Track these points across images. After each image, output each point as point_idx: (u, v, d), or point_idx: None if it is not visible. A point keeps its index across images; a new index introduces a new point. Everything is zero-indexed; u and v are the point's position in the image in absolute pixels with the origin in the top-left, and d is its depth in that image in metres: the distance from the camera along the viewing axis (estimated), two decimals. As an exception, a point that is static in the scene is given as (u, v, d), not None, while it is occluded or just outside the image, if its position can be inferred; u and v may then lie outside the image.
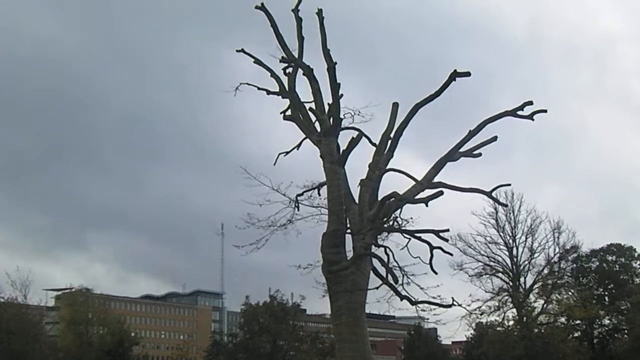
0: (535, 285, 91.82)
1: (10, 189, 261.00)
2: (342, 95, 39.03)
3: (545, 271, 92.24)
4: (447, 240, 37.23)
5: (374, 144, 39.65)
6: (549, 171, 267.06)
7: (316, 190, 40.39)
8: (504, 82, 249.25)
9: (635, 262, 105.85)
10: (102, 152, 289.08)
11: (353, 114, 39.28)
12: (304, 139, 40.55)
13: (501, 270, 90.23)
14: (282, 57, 40.94)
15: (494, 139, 38.38)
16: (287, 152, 41.65)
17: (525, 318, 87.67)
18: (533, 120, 38.56)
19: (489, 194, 39.57)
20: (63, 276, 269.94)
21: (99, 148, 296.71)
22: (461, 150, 38.37)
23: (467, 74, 37.02)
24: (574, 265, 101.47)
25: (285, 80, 41.79)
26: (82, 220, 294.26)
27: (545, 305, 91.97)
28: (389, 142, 39.16)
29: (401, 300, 34.62)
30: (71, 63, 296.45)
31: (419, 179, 37.13)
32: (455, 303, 34.91)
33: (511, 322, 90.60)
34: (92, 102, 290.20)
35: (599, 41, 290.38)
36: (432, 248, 35.83)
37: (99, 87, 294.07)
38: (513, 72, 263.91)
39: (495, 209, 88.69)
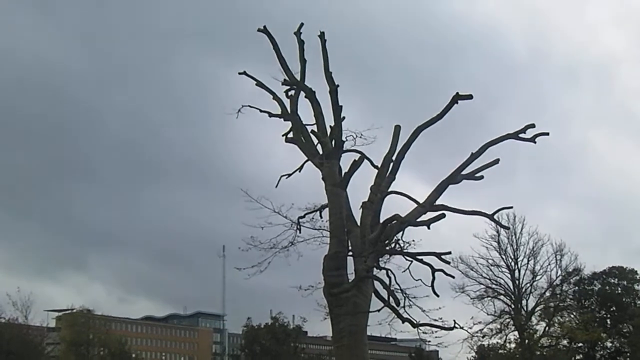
0: (537, 308, 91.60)
1: (10, 207, 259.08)
2: (344, 117, 39.10)
3: (547, 294, 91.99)
4: (449, 263, 37.30)
5: (375, 167, 39.67)
6: (551, 192, 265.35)
7: (318, 212, 40.33)
8: (506, 102, 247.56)
9: (637, 285, 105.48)
10: (101, 173, 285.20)
11: (355, 136, 39.28)
12: (306, 161, 40.55)
13: (503, 292, 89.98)
14: (285, 79, 41.06)
15: (496, 161, 38.41)
16: (289, 175, 41.63)
17: (527, 341, 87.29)
18: (535, 142, 38.61)
19: (491, 217, 39.52)
20: (63, 297, 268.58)
21: (97, 169, 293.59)
22: (463, 172, 38.43)
23: (469, 97, 37.17)
24: (576, 287, 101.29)
25: (287, 102, 41.91)
26: (81, 240, 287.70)
27: (547, 328, 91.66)
28: (391, 164, 39.20)
29: (403, 322, 34.62)
30: (70, 85, 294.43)
31: (421, 201, 37.13)
32: (457, 325, 34.91)
33: (513, 345, 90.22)
34: (91, 124, 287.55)
35: (601, 60, 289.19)
36: (433, 271, 35.81)
37: (97, 108, 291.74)
38: (514, 92, 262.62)
39: (497, 231, 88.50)
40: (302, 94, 41.08)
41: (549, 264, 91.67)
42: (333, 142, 39.30)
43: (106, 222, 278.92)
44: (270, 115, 42.19)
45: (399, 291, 35.50)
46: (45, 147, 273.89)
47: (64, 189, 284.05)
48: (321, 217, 40.52)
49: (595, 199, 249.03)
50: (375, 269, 36.74)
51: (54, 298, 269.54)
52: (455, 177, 38.39)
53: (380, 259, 37.84)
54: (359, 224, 39.06)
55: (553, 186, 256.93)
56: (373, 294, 37.59)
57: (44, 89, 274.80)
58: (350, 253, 38.36)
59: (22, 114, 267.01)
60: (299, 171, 41.35)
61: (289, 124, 41.62)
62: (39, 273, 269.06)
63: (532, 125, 38.30)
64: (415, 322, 34.80)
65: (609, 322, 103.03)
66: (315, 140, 40.30)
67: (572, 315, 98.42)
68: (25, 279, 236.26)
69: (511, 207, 43.39)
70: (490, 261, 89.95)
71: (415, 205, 37.11)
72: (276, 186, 41.72)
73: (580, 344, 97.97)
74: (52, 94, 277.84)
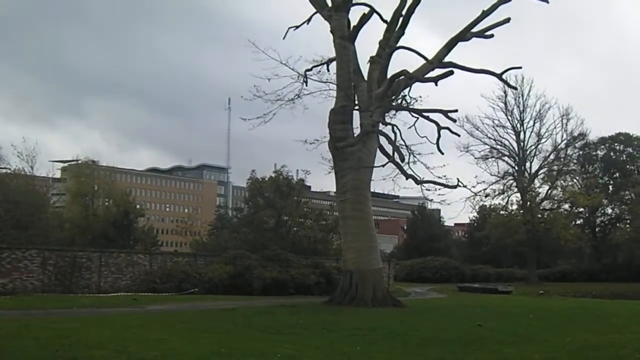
0: (541, 171, 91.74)
1: (1, 54, 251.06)
2: (354, -31, 38.33)
3: (552, 157, 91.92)
4: (455, 121, 37.30)
5: (385, 21, 39.16)
6: (564, 51, 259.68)
7: (325, 65, 40.11)
8: None
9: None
10: (92, 10, 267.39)
11: (365, -11, 38.66)
12: (315, 13, 40.00)
13: (507, 154, 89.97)
14: None
15: (507, 20, 37.89)
16: (297, 27, 41.07)
17: (528, 203, 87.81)
18: (548, 2, 38.01)
19: (499, 76, 39.23)
20: (61, 145, 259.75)
21: (88, 9, 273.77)
22: (473, 30, 37.89)
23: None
24: (581, 152, 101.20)
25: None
26: (76, 85, 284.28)
27: (549, 191, 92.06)
28: (401, 19, 38.62)
29: (407, 179, 34.77)
30: None
31: (430, 57, 36.70)
32: (460, 184, 35.07)
33: (514, 207, 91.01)
34: None
35: None
36: (439, 128, 35.80)
37: None
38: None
39: (505, 92, 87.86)
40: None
41: (555, 127, 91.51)
42: (343, -6, 38.65)
43: (100, 65, 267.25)
44: (280, -36, 41.35)
45: (404, 147, 35.59)
46: None
47: (54, 31, 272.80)
48: (328, 70, 40.33)
49: (610, 56, 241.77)
50: (381, 124, 36.73)
51: (51, 146, 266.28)
52: (465, 34, 37.92)
53: (387, 114, 37.82)
54: (366, 78, 38.84)
55: (567, 43, 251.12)
56: (378, 150, 37.70)
57: None
58: (357, 107, 38.28)
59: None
60: (307, 23, 40.80)
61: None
62: (35, 120, 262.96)
63: (546, -16, 37.65)
64: (419, 178, 34.98)
65: (611, 188, 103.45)
66: (325, -8, 39.62)
67: (574, 180, 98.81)
68: (19, 126, 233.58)
69: (520, 67, 42.95)
70: (496, 122, 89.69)
71: (424, 62, 36.76)
72: (284, 38, 41.35)
73: (582, 209, 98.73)
74: None
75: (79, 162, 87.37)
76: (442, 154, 36.04)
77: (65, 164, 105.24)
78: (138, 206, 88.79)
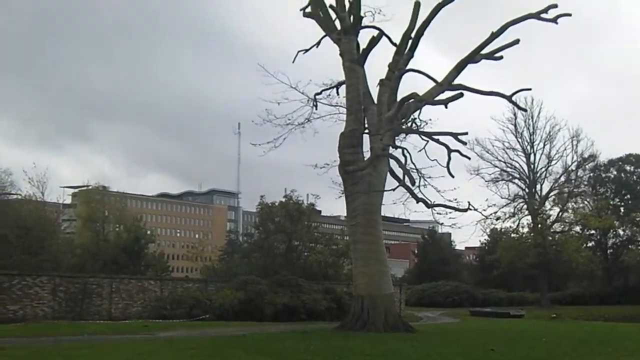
0: (552, 193, 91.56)
1: (6, 72, 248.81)
2: (363, -8, 38.37)
3: (562, 179, 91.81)
4: (465, 144, 37.11)
5: (394, 44, 39.18)
6: (573, 70, 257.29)
7: (335, 89, 40.15)
8: None
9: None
10: (101, 33, 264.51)
11: (374, 12, 38.75)
12: (324, 36, 40.08)
13: (518, 176, 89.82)
14: (303, -48, 40.29)
15: (516, 42, 37.86)
16: (307, 50, 41.14)
17: (539, 225, 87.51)
18: (557, 23, 38.08)
19: (509, 98, 39.15)
20: (68, 168, 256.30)
21: (97, 26, 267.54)
22: (482, 52, 37.87)
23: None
24: (591, 174, 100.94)
25: (306, -25, 41.06)
26: (84, 108, 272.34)
27: (560, 214, 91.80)
28: (410, 41, 38.66)
29: (417, 202, 34.54)
30: None
31: (439, 80, 36.65)
32: (471, 207, 34.84)
33: (525, 229, 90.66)
34: None
35: None
36: (449, 151, 35.64)
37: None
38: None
39: (515, 114, 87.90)
40: (321, -33, 40.20)
41: (565, 149, 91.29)
42: (351, 18, 38.74)
43: (108, 88, 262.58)
44: (289, -12, 41.51)
45: (415, 170, 35.44)
46: (38, 3, 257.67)
47: (62, 54, 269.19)
48: (338, 93, 40.35)
49: (620, 75, 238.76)
50: (391, 147, 36.64)
51: (59, 170, 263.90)
52: (474, 56, 37.89)
53: (397, 137, 37.70)
54: (376, 101, 38.79)
55: (575, 60, 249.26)
56: (388, 173, 37.58)
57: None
58: (367, 131, 38.23)
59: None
60: (317, 47, 40.88)
61: (307, -2, 40.93)
62: (43, 144, 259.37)
63: (555, 6, 37.68)
64: (429, 202, 34.77)
65: (622, 209, 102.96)
66: (334, 16, 39.72)
67: (585, 202, 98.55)
68: (28, 150, 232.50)
69: (530, 89, 42.88)
70: (506, 144, 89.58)
71: (433, 84, 36.72)
72: (293, 61, 41.38)
73: (593, 231, 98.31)
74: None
75: (90, 187, 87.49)
76: (453, 177, 35.93)
77: (76, 190, 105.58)
78: (149, 232, 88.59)
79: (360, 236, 37.42)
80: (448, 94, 36.99)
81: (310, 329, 35.05)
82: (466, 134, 36.09)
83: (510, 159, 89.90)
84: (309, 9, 40.51)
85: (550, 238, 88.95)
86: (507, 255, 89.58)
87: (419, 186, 34.76)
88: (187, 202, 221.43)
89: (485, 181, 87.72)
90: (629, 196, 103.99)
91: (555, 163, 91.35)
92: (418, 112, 38.02)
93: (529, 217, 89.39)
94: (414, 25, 38.58)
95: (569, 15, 38.01)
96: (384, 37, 38.33)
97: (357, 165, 37.02)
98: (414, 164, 35.96)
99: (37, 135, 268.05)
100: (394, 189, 35.67)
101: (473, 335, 33.26)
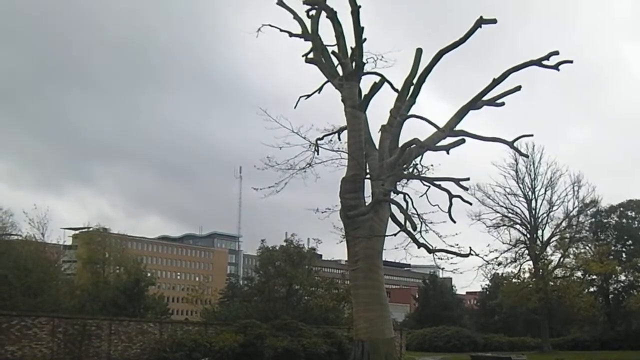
0: (553, 239, 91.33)
1: (7, 115, 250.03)
2: (365, 39, 38.59)
3: (564, 225, 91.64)
4: (466, 189, 37.13)
5: (396, 90, 39.37)
6: (575, 115, 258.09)
7: (337, 134, 40.28)
8: (535, 14, 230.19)
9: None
10: (98, 75, 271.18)
11: (376, 58, 38.96)
12: (326, 82, 40.32)
13: (519, 222, 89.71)
14: (306, -2, 40.67)
15: (518, 88, 38.11)
16: (309, 96, 41.36)
17: (541, 271, 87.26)
18: (558, 70, 38.31)
19: (510, 144, 39.32)
20: (68, 210, 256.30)
21: (93, 72, 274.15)
22: (484, 98, 38.10)
23: (494, 21, 36.78)
24: (593, 219, 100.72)
25: (308, 22, 41.40)
26: (82, 151, 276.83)
27: (562, 259, 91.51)
28: (412, 88, 38.89)
29: (418, 247, 34.52)
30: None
31: (441, 126, 36.85)
32: (472, 252, 34.87)
33: (527, 275, 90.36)
34: (86, 22, 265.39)
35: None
36: (451, 196, 35.66)
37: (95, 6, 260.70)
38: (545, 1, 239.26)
39: (516, 160, 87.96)
40: (323, 14, 40.51)
41: (567, 195, 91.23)
42: (353, 64, 38.93)
43: (107, 131, 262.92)
44: (291, 35, 41.78)
45: (416, 216, 35.46)
46: (38, 50, 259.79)
47: (60, 96, 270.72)
48: (339, 139, 40.45)
49: (623, 119, 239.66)
50: (392, 192, 36.69)
51: (59, 211, 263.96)
52: (475, 103, 38.10)
53: (398, 183, 37.79)
54: (377, 147, 38.92)
55: (578, 106, 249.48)
56: (390, 218, 37.61)
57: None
58: (368, 176, 38.33)
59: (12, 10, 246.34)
60: (319, 92, 41.07)
61: (309, 44, 41.20)
62: (42, 186, 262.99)
63: (556, 52, 37.92)
64: (431, 247, 34.72)
65: (624, 255, 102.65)
66: (336, 62, 39.98)
67: (587, 247, 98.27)
68: (28, 192, 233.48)
69: (531, 135, 43.12)
70: (507, 190, 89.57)
71: (435, 130, 36.90)
72: (295, 107, 41.56)
73: (595, 276, 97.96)
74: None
75: (90, 229, 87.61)
76: (454, 222, 35.85)
77: (76, 231, 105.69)
78: (149, 274, 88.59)
79: (362, 281, 37.35)
80: (450, 139, 37.13)
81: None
82: (468, 179, 36.14)
83: (512, 204, 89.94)
84: (311, 55, 40.80)
85: (552, 283, 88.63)
86: (508, 300, 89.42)
87: (420, 231, 34.76)
88: (187, 245, 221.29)
89: (487, 226, 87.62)
90: (630, 242, 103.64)
91: (557, 209, 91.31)
92: (420, 157, 38.12)
93: (531, 263, 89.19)
94: (415, 72, 38.84)
95: (571, 62, 38.21)
96: (385, 83, 38.51)
97: (359, 210, 37.04)
98: (415, 209, 35.99)
99: (37, 176, 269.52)
100: (395, 234, 35.61)
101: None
